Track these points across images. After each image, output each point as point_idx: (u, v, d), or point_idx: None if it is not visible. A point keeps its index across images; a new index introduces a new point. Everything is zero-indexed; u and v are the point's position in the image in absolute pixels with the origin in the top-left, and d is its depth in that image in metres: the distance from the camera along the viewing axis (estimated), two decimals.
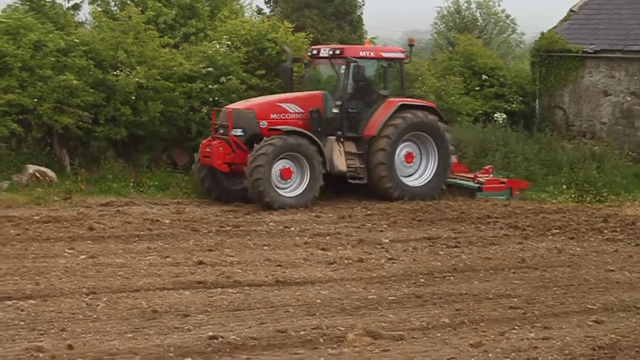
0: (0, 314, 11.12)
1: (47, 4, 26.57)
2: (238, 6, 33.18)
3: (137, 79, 24.79)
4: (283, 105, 22.82)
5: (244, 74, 26.53)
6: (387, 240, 17.63)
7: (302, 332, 10.79)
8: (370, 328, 10.85)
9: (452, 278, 14.40)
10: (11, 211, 19.73)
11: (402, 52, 25.00)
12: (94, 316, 11.26)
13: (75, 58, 24.56)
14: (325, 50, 23.93)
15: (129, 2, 29.13)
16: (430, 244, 17.44)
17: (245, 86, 26.12)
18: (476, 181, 24.21)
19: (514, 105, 32.05)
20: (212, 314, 11.60)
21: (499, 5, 55.43)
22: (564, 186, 25.41)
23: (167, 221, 19.10)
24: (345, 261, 15.42)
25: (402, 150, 23.52)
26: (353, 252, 16.36)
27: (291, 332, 10.77)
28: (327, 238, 17.75)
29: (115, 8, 30.11)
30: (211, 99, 25.41)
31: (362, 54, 23.58)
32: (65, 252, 15.42)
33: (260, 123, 22.33)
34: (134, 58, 25.42)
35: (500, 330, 11.27)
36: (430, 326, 11.37)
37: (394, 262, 15.49)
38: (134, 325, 10.91)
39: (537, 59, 32.52)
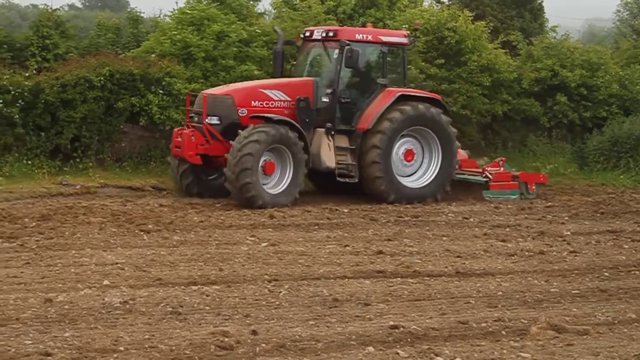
0: (187, 299, 11.38)
1: None
2: None
3: None
4: (266, 91, 20.45)
5: (423, 64, 26.44)
6: (568, 233, 17.28)
7: (483, 324, 10.65)
8: (554, 321, 10.62)
9: (637, 272, 13.99)
10: (194, 199, 20.19)
11: (405, 36, 21.96)
12: (277, 303, 11.39)
13: (257, 48, 25.00)
14: (318, 32, 21.46)
15: None
16: (614, 237, 17.00)
17: (424, 75, 26.00)
18: (484, 175, 22.21)
19: None
20: (392, 304, 11.58)
21: None
22: None
23: (346, 210, 19.23)
24: (526, 253, 15.18)
25: (400, 147, 21.08)
26: (534, 244, 16.10)
27: (472, 323, 10.65)
28: (507, 230, 17.54)
29: None
30: None
31: (358, 37, 20.97)
32: (247, 239, 15.69)
33: (240, 111, 20.06)
34: None
35: None
36: (616, 321, 11.05)
37: (576, 255, 15.15)
38: (316, 312, 10.99)
39: None
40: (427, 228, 17.46)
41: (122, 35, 27.53)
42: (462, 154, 22.48)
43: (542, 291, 12.52)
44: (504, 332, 10.37)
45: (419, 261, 14.25)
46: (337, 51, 20.77)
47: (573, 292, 12.55)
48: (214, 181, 20.87)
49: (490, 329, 10.48)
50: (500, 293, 12.33)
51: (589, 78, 29.13)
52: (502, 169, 22.69)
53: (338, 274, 13.11)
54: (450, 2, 34.99)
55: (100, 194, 21.09)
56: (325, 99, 20.77)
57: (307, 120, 20.45)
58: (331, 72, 21.01)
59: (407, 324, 10.44)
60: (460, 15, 28.01)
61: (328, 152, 20.64)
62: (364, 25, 24.25)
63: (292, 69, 22.76)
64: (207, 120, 20.09)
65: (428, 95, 21.70)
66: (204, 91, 21.26)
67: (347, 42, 20.49)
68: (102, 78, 22.99)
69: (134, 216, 17.61)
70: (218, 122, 20.14)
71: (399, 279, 13.00)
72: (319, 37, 21.32)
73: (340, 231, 16.86)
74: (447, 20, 27.72)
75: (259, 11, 30.31)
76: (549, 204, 21.09)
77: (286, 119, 20.02)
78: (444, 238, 16.45)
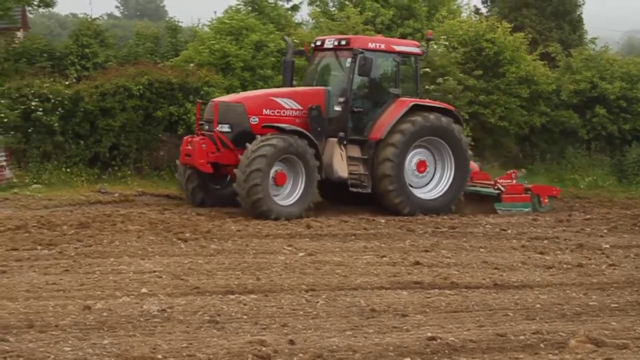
0: (224, 307, 11.38)
1: (269, 5, 27.19)
2: (455, 6, 33.02)
3: None
4: (278, 100, 20.12)
5: (461, 75, 26.38)
6: (607, 246, 17.15)
7: (521, 337, 10.56)
8: (593, 335, 10.52)
9: None
10: (231, 208, 20.22)
11: (418, 46, 21.85)
12: (314, 313, 11.36)
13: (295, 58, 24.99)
14: (330, 41, 21.19)
15: (347, 2, 29.46)
16: None
17: (462, 87, 25.95)
18: (496, 187, 21.95)
19: None
20: (430, 315, 11.53)
21: None
22: None
23: (383, 221, 19.20)
24: (564, 266, 15.07)
25: (413, 158, 20.75)
26: (572, 256, 15.98)
27: (510, 336, 10.57)
28: (545, 242, 17.43)
29: (334, 9, 30.53)
30: None
31: (371, 45, 20.63)
32: (284, 248, 15.68)
33: (251, 119, 19.73)
34: None
35: None
36: None
37: (615, 269, 15.02)
38: (353, 323, 10.95)
39: None
40: (465, 239, 17.39)
41: (161, 45, 27.74)
42: (473, 165, 22.19)
43: (580, 304, 12.41)
44: (542, 345, 10.28)
45: (457, 272, 14.18)
46: (349, 60, 20.52)
47: (612, 305, 12.44)
48: (220, 190, 20.77)
49: (528, 342, 10.39)
50: (538, 306, 12.25)
51: (629, 90, 28.98)
52: (514, 181, 22.42)
53: (375, 285, 13.07)
54: (489, 14, 34.94)
55: (138, 202, 21.20)
56: (337, 108, 20.46)
57: (319, 129, 20.14)
58: (343, 81, 20.68)
59: (444, 336, 10.38)
60: (498, 27, 27.95)
61: (340, 162, 20.32)
62: (403, 36, 24.22)
63: (302, 79, 22.51)
64: (218, 128, 19.76)
65: (441, 106, 21.39)
66: (214, 99, 21.04)
67: (360, 50, 20.25)
68: (141, 87, 23.17)
69: (171, 224, 17.67)
70: (229, 130, 19.81)
71: (437, 290, 12.94)
72: (331, 46, 21.07)
73: (377, 242, 16.82)
74: (485, 32, 27.67)
75: (297, 21, 30.45)
76: (588, 216, 20.99)
77: (298, 128, 19.70)
78: (482, 250, 16.38)
